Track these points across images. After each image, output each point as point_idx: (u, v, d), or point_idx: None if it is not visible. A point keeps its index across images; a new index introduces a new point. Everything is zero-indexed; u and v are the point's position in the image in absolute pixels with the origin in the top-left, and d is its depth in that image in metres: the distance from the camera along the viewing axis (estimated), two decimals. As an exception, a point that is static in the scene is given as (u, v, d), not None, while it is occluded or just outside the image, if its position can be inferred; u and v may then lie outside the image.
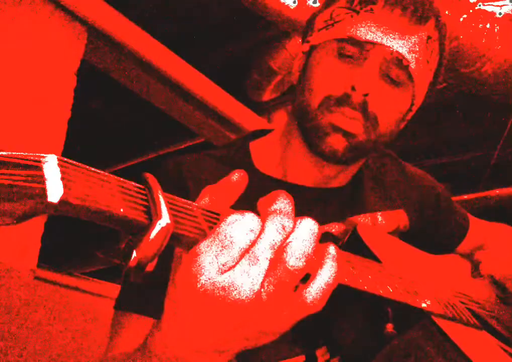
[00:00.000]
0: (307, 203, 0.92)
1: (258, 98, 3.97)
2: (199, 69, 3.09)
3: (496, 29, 2.50)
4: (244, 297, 0.50)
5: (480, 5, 2.48)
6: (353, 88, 0.87)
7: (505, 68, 2.57)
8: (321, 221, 0.56)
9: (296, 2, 2.85)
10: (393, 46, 0.87)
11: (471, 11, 2.46)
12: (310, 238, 0.53)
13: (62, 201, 0.42)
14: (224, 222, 0.51)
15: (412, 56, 0.88)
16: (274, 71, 3.70)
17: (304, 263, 0.52)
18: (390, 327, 0.74)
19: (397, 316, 0.74)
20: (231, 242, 0.50)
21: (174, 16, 3.25)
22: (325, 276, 0.55)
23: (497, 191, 3.59)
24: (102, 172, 0.48)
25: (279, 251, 0.52)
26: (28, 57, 2.25)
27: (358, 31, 0.87)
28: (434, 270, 0.97)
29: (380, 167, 1.10)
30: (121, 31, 2.63)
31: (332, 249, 0.57)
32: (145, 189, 0.50)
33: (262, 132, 1.05)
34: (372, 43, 0.87)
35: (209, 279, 0.50)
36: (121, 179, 0.49)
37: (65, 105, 2.36)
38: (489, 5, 2.50)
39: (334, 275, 0.56)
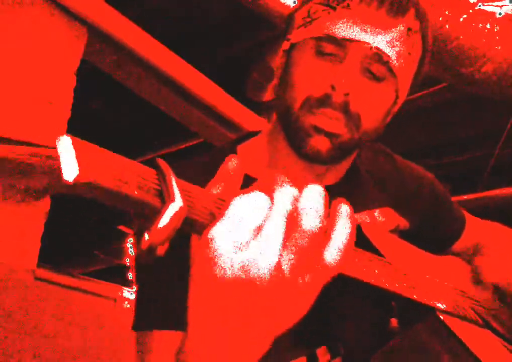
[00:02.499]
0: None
1: (258, 98, 3.97)
2: (199, 69, 3.09)
3: (496, 29, 2.50)
4: (265, 272, 0.49)
5: (480, 5, 2.48)
6: (333, 88, 0.86)
7: (505, 68, 2.57)
8: None
9: (296, 2, 2.85)
10: (372, 41, 0.85)
11: (470, 11, 2.46)
12: (319, 198, 0.53)
13: (77, 180, 0.43)
14: (232, 204, 0.51)
15: (392, 50, 0.86)
16: (274, 71, 3.70)
17: (319, 223, 0.52)
18: (394, 321, 0.74)
19: (402, 311, 0.74)
20: (241, 221, 0.50)
21: (174, 16, 3.25)
22: (342, 233, 0.54)
23: (497, 191, 3.59)
24: (116, 154, 0.48)
25: (292, 218, 0.52)
26: (28, 56, 2.25)
27: (335, 29, 0.85)
28: (436, 269, 0.97)
29: (374, 161, 1.09)
30: (121, 31, 2.63)
31: (343, 207, 0.56)
32: (158, 174, 0.50)
33: (250, 135, 1.05)
34: (351, 40, 0.85)
35: (226, 260, 0.49)
36: (135, 161, 0.49)
37: (65, 105, 2.36)
38: (489, 5, 2.50)
39: (350, 231, 0.55)
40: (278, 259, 0.50)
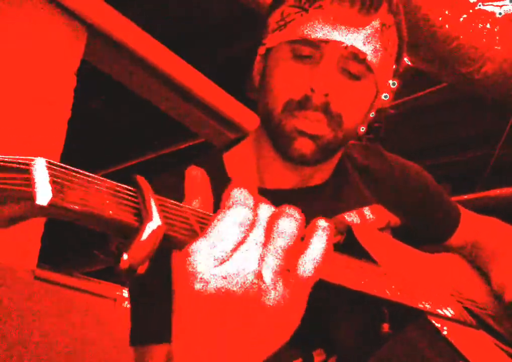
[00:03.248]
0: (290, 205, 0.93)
1: (258, 98, 3.96)
2: (199, 69, 3.09)
3: (496, 29, 2.50)
4: (247, 283, 0.50)
5: (480, 5, 2.48)
6: (312, 90, 0.86)
7: (505, 68, 2.57)
8: (307, 220, 0.56)
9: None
10: (346, 40, 0.85)
11: (470, 11, 2.46)
12: (294, 218, 0.53)
13: (51, 204, 0.42)
14: (214, 219, 0.51)
15: (368, 47, 0.86)
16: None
17: (288, 241, 0.52)
18: (386, 326, 0.74)
19: (393, 316, 0.75)
20: (223, 237, 0.50)
21: (174, 16, 3.25)
22: (316, 246, 0.55)
23: (497, 191, 3.59)
24: (91, 174, 0.48)
25: (269, 233, 0.52)
26: (28, 56, 2.25)
27: (309, 31, 0.85)
28: (430, 269, 0.97)
29: (365, 159, 1.08)
30: (121, 31, 2.63)
31: (320, 222, 0.57)
32: (135, 191, 0.50)
33: (234, 142, 1.04)
34: (325, 41, 0.85)
35: (207, 273, 0.49)
36: (111, 181, 0.48)
37: (65, 105, 2.36)
38: (489, 5, 2.50)
39: (325, 243, 0.55)
40: (259, 270, 0.50)
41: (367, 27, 0.86)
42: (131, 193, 0.49)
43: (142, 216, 0.47)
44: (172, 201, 0.52)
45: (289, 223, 0.53)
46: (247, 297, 0.50)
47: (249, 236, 0.51)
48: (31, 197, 0.42)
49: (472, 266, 1.13)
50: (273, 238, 0.52)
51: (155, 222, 0.47)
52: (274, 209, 0.54)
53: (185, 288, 0.51)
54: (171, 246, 0.51)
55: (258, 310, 0.51)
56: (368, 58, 0.87)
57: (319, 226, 0.56)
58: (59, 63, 2.36)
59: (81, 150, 3.85)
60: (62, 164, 0.46)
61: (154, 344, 0.82)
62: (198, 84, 3.09)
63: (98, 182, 0.47)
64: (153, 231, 0.47)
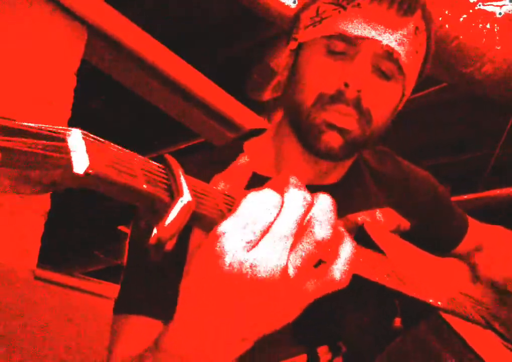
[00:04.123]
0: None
1: (258, 98, 3.97)
2: (199, 69, 3.09)
3: (496, 29, 2.50)
4: (272, 273, 0.49)
5: (480, 5, 2.48)
6: (346, 85, 0.87)
7: (505, 68, 2.57)
8: None
9: (296, 2, 2.85)
10: (382, 39, 0.87)
11: (470, 11, 2.46)
12: (332, 209, 0.54)
13: (87, 173, 0.43)
14: (244, 200, 0.51)
15: (401, 48, 0.88)
16: (274, 71, 3.70)
17: (331, 232, 0.52)
18: (398, 321, 0.74)
19: (405, 311, 0.75)
20: (253, 220, 0.50)
21: (174, 16, 3.25)
22: (347, 250, 0.55)
23: (497, 191, 3.59)
24: (123, 148, 0.48)
25: (303, 224, 0.52)
26: (28, 56, 2.25)
27: (347, 27, 0.87)
28: (438, 268, 0.97)
29: (378, 162, 1.10)
30: (121, 31, 2.63)
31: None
32: (165, 168, 0.50)
33: (256, 132, 1.05)
34: (362, 38, 0.87)
35: (235, 258, 0.49)
36: (144, 157, 0.49)
37: (65, 105, 2.36)
38: (489, 5, 2.50)
39: (353, 249, 0.56)
40: (286, 262, 0.50)
41: (403, 28, 0.88)
42: (161, 170, 0.50)
43: (173, 192, 0.48)
44: (200, 181, 0.53)
45: (324, 214, 0.53)
46: (269, 283, 0.50)
47: (280, 221, 0.51)
48: (68, 164, 0.42)
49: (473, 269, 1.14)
50: (308, 230, 0.52)
51: (185, 198, 0.47)
52: (309, 197, 0.54)
53: (208, 267, 0.51)
54: (199, 224, 0.52)
55: (276, 299, 0.51)
56: (401, 58, 0.89)
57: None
58: (59, 63, 2.36)
59: (81, 150, 3.84)
60: (95, 136, 0.47)
61: (142, 316, 0.82)
62: (198, 84, 3.08)
63: (130, 156, 0.48)
64: (184, 207, 0.47)
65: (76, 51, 2.45)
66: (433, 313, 0.77)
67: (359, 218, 0.96)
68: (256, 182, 0.93)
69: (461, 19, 2.43)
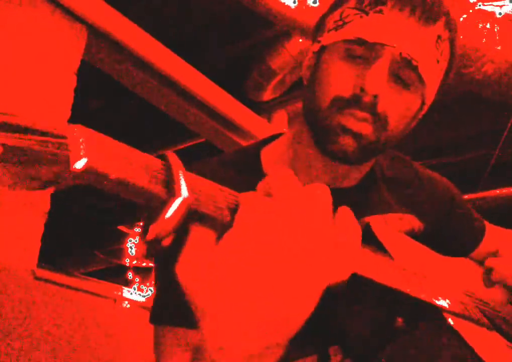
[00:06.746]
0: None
1: (258, 98, 3.97)
2: (200, 69, 3.09)
3: (496, 29, 2.50)
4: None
5: (480, 5, 2.48)
6: (362, 90, 0.87)
7: (505, 68, 2.57)
8: None
9: (296, 2, 2.85)
10: (402, 46, 0.87)
11: (470, 11, 2.46)
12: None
13: (86, 169, 0.43)
14: (267, 178, 0.55)
15: (421, 57, 0.88)
16: (274, 71, 3.70)
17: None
18: (400, 321, 0.74)
19: (408, 311, 0.75)
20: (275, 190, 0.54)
21: (174, 16, 3.25)
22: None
23: (497, 191, 3.59)
24: (125, 144, 0.49)
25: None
26: (28, 56, 2.26)
27: (367, 32, 0.87)
28: (446, 269, 0.97)
29: (392, 168, 1.10)
30: (121, 31, 2.64)
31: None
32: (165, 165, 0.51)
33: (273, 138, 1.06)
34: (382, 44, 0.87)
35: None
36: (144, 154, 0.50)
37: (65, 105, 2.36)
38: (489, 5, 2.50)
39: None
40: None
41: (424, 36, 0.88)
42: (162, 167, 0.51)
43: (170, 189, 0.48)
44: (204, 179, 0.53)
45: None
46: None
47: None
48: (67, 161, 0.42)
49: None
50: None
51: (182, 195, 0.48)
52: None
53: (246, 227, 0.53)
54: (200, 222, 0.52)
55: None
56: (421, 66, 0.88)
57: None
58: (59, 63, 2.36)
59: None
60: (98, 132, 0.47)
61: (177, 327, 0.82)
62: (199, 84, 3.09)
63: (131, 151, 0.48)
64: (181, 203, 0.48)
65: (76, 51, 2.45)
66: (438, 314, 0.77)
67: (367, 220, 0.96)
68: None
69: (461, 19, 2.43)
